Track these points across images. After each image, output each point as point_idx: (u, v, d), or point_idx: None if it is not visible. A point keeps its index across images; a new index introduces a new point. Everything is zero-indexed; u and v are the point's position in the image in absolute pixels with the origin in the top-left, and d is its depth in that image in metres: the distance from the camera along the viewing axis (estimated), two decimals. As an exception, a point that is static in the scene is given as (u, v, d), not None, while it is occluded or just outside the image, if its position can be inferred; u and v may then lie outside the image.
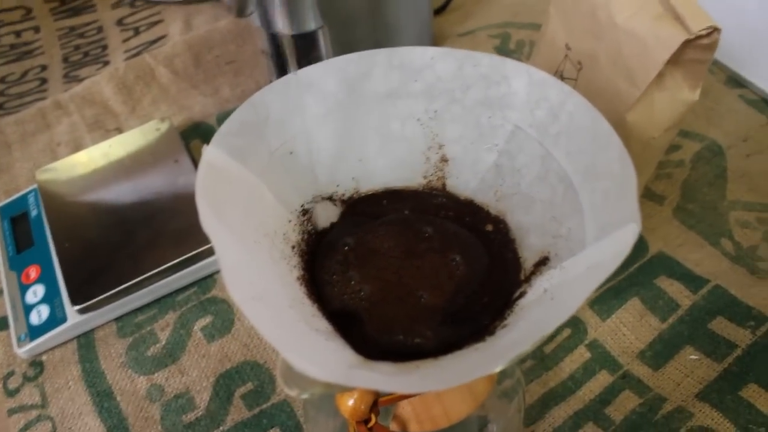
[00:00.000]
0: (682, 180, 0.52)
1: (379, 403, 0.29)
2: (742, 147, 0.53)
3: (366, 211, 0.30)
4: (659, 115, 0.41)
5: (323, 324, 0.25)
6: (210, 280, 0.49)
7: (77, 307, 0.45)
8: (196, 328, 0.46)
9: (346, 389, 0.25)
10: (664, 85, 0.40)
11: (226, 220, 0.24)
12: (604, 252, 0.22)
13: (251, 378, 0.43)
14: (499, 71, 0.28)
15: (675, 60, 0.38)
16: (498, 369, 0.19)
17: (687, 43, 0.37)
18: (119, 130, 0.59)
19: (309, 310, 0.26)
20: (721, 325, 0.43)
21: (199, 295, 0.48)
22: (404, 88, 0.29)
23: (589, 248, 0.23)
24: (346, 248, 0.28)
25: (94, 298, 0.45)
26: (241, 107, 0.27)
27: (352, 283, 0.27)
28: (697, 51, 0.38)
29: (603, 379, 0.42)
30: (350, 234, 0.29)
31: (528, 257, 0.27)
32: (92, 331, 0.47)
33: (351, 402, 0.29)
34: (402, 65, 0.29)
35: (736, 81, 0.58)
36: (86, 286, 0.46)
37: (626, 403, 0.41)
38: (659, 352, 0.43)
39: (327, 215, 0.30)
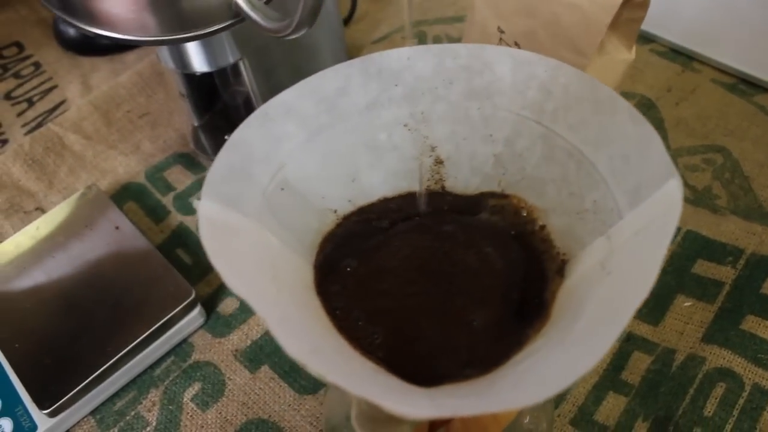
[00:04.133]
0: (626, 138, 0.53)
1: (435, 426, 0.28)
2: (669, 97, 0.56)
3: (368, 222, 0.28)
4: (604, 79, 0.41)
5: (369, 364, 0.23)
6: (186, 345, 0.45)
7: (45, 411, 0.40)
8: (185, 399, 0.42)
9: (419, 426, 0.24)
10: (604, 49, 0.41)
11: (246, 276, 0.21)
12: (650, 213, 0.22)
13: (259, 437, 0.40)
14: (480, 59, 0.27)
15: (613, 22, 0.39)
16: (601, 357, 0.18)
17: (624, 4, 0.37)
18: (41, 210, 0.54)
19: (349, 352, 0.23)
20: (703, 267, 0.44)
21: (179, 363, 0.44)
22: (385, 96, 0.28)
23: (632, 213, 0.23)
24: (349, 275, 0.26)
25: (64, 396, 0.41)
26: (223, 150, 0.25)
27: (361, 323, 0.25)
28: (632, 10, 0.39)
29: (610, 347, 0.42)
30: (350, 256, 0.27)
31: (556, 239, 0.26)
32: (67, 432, 0.42)
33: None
34: (379, 72, 0.27)
35: (644, 37, 0.61)
36: (51, 385, 0.41)
37: (639, 364, 0.41)
38: (654, 307, 0.43)
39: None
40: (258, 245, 0.24)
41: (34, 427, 0.41)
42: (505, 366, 0.23)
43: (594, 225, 0.25)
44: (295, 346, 0.18)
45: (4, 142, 0.61)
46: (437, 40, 0.63)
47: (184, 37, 0.41)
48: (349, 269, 0.26)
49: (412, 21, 0.21)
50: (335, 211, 0.28)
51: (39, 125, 0.61)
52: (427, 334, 0.24)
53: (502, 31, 0.44)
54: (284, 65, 0.55)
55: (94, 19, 0.40)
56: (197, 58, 0.50)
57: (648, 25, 0.61)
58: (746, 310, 0.41)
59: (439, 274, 0.26)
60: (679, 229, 0.46)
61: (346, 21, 0.66)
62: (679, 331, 0.42)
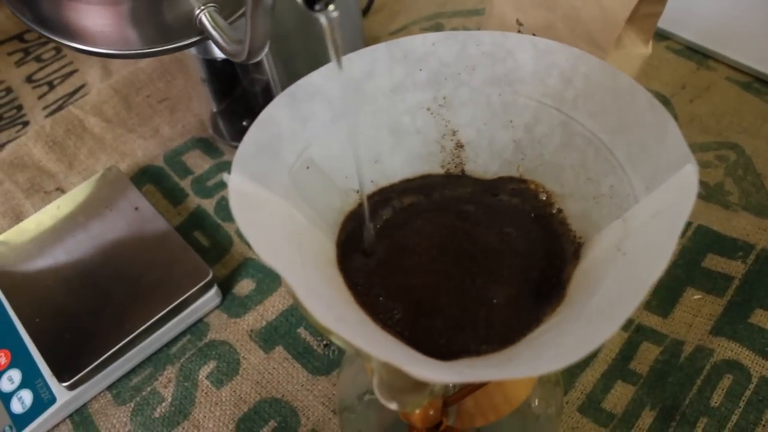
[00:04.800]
0: (639, 134, 0.53)
1: (448, 404, 0.28)
2: (684, 94, 0.56)
3: (388, 204, 0.29)
4: (620, 73, 0.43)
5: (388, 337, 0.24)
6: (202, 324, 0.46)
7: (65, 384, 0.41)
8: (201, 376, 0.43)
9: (438, 395, 0.24)
10: (621, 43, 0.41)
11: (276, 247, 0.22)
12: (666, 197, 0.22)
13: (272, 416, 0.41)
14: (503, 47, 0.28)
15: (630, 17, 0.39)
16: (614, 332, 0.19)
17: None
18: (61, 190, 0.55)
19: (370, 325, 0.24)
20: (713, 262, 0.45)
21: (195, 342, 0.45)
22: (410, 80, 0.28)
23: (647, 198, 0.23)
24: (370, 253, 0.27)
25: (82, 370, 0.42)
26: (252, 128, 0.26)
27: (381, 298, 0.26)
28: (650, 5, 0.39)
29: (619, 338, 0.43)
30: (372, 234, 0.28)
31: (572, 222, 0.27)
32: (85, 405, 0.43)
33: (419, 410, 0.28)
34: (405, 57, 0.28)
35: (660, 34, 0.61)
36: (70, 359, 0.42)
37: (647, 354, 0.42)
38: (664, 299, 0.44)
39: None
40: (285, 220, 0.25)
41: (53, 399, 0.42)
42: (521, 343, 0.24)
43: (610, 209, 0.25)
44: (323, 313, 0.19)
45: (26, 123, 0.62)
46: (454, 32, 0.63)
47: (148, 52, 0.41)
48: (370, 247, 0.27)
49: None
50: (358, 191, 0.29)
51: (59, 108, 0.62)
52: (446, 311, 0.25)
53: (520, 24, 0.45)
54: (303, 54, 0.56)
55: (63, 32, 0.40)
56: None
57: (664, 23, 0.61)
58: (755, 304, 0.42)
59: (460, 252, 0.27)
60: (690, 224, 0.47)
61: (365, 12, 0.67)
62: (688, 324, 0.43)
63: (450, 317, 0.25)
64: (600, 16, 0.39)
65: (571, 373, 0.42)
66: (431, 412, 0.28)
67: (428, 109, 0.29)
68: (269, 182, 0.25)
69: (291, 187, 0.26)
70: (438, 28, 0.64)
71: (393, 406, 0.21)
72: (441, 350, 0.24)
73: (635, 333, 0.43)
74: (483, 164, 0.30)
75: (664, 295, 0.44)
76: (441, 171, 0.30)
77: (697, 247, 0.46)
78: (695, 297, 0.44)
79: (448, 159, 0.30)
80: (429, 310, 0.25)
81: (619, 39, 0.41)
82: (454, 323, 0.25)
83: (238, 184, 0.24)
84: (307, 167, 0.27)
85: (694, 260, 0.45)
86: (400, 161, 0.29)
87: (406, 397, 0.21)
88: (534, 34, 0.44)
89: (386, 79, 0.28)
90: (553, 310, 0.24)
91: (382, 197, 0.29)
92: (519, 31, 0.45)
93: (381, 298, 0.25)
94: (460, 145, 0.29)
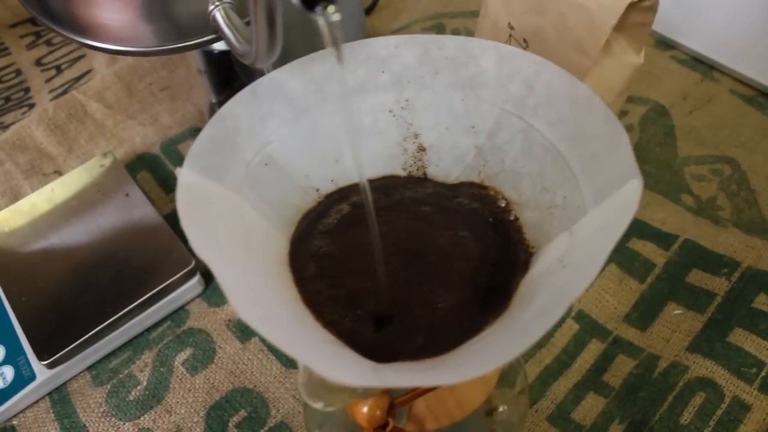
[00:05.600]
0: (635, 143, 0.53)
1: (395, 405, 0.28)
2: (684, 105, 0.55)
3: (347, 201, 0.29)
4: (610, 81, 0.42)
5: (328, 336, 0.24)
6: (183, 312, 0.46)
7: (44, 363, 0.42)
8: (176, 363, 0.44)
9: (369, 395, 0.24)
10: (611, 51, 0.41)
11: (215, 242, 0.23)
12: (609, 211, 0.22)
13: (243, 405, 0.42)
14: (466, 52, 0.28)
15: (620, 25, 0.39)
16: (531, 343, 0.19)
17: (631, 7, 0.37)
18: (59, 173, 0.56)
19: (311, 323, 0.24)
20: (697, 277, 0.44)
21: (174, 329, 0.46)
22: (372, 81, 0.28)
23: (593, 211, 0.23)
24: (322, 250, 0.27)
25: (62, 350, 0.43)
26: (210, 122, 0.26)
27: (326, 296, 0.26)
28: (639, 14, 0.39)
29: (595, 348, 0.42)
30: (326, 233, 0.28)
31: (526, 232, 0.27)
32: (64, 384, 0.44)
33: (365, 409, 0.28)
34: (367, 58, 0.28)
35: (665, 43, 0.60)
36: (51, 338, 0.43)
37: (622, 367, 0.41)
38: (644, 313, 0.43)
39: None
40: (234, 215, 0.25)
41: (33, 376, 0.43)
42: (459, 349, 0.24)
43: (561, 221, 0.25)
44: (247, 310, 0.19)
45: (31, 106, 0.63)
46: (455, 32, 0.63)
47: (158, 50, 0.40)
48: (323, 245, 0.27)
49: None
50: (317, 190, 0.29)
51: (65, 92, 0.63)
52: (389, 312, 0.25)
53: (512, 28, 0.44)
54: (302, 48, 0.56)
55: (72, 26, 0.41)
56: (217, 36, 0.51)
57: (670, 32, 0.60)
58: (735, 323, 0.41)
59: (412, 253, 0.27)
60: (677, 237, 0.46)
61: (369, 9, 0.67)
62: (666, 338, 0.42)
63: (392, 319, 0.25)
64: (587, 23, 0.39)
65: (543, 382, 0.41)
66: (378, 412, 0.28)
67: (390, 111, 0.29)
68: (223, 177, 0.26)
69: (246, 182, 0.26)
70: (439, 28, 0.64)
71: (318, 405, 0.22)
72: (380, 352, 0.24)
73: (612, 345, 0.42)
74: (445, 168, 0.30)
75: (645, 309, 0.44)
76: (403, 173, 0.30)
77: (683, 261, 0.45)
78: (675, 312, 0.43)
79: (410, 162, 0.30)
80: (372, 311, 0.25)
81: (608, 47, 0.40)
82: (397, 326, 0.25)
83: (188, 178, 0.24)
84: (266, 164, 0.28)
85: (678, 274, 0.45)
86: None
87: (330, 395, 0.21)
88: (524, 38, 0.44)
89: (349, 79, 0.28)
90: (495, 320, 0.24)
91: (340, 195, 0.29)
92: (510, 35, 0.45)
93: (326, 296, 0.25)
94: (422, 149, 0.30)
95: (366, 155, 0.29)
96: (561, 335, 0.43)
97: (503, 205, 0.28)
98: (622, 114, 0.54)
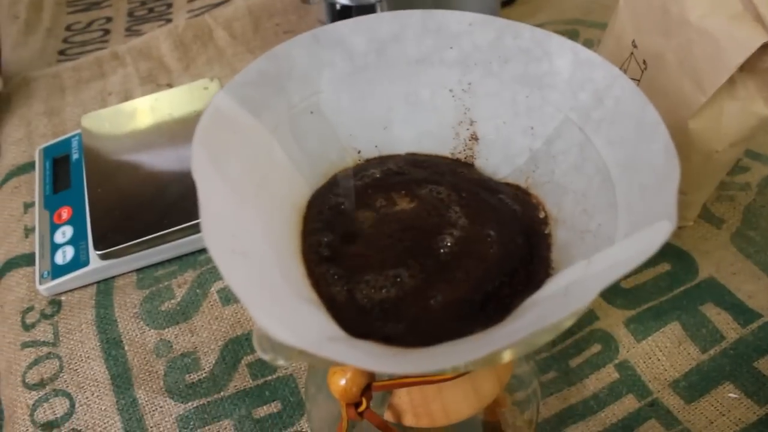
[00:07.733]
0: (746, 205, 0.47)
1: (372, 388, 0.27)
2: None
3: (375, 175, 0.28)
4: (726, 126, 0.38)
5: (312, 295, 0.23)
6: (234, 244, 0.48)
7: (99, 253, 0.45)
8: (213, 289, 0.45)
9: (333, 364, 0.24)
10: (735, 93, 0.36)
11: (223, 168, 0.22)
12: (629, 249, 0.20)
13: (259, 348, 0.42)
14: (542, 46, 0.25)
15: (750, 66, 0.34)
16: (482, 355, 0.17)
17: (766, 47, 0.33)
18: (170, 86, 0.59)
19: (300, 281, 0.24)
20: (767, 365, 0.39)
21: (221, 257, 0.47)
22: (438, 55, 0.27)
23: (618, 245, 0.21)
24: (341, 208, 0.26)
25: (117, 245, 0.45)
26: (262, 57, 0.26)
27: (325, 256, 0.25)
28: (776, 58, 0.34)
29: (629, 404, 0.39)
30: (340, 205, 0.27)
31: (554, 251, 0.25)
32: (113, 278, 0.47)
33: (342, 382, 0.27)
34: (438, 30, 0.27)
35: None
36: (111, 233, 0.46)
37: (650, 432, 0.38)
38: (695, 384, 0.39)
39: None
40: (259, 150, 0.25)
41: (87, 262, 0.46)
42: (431, 348, 0.22)
43: (587, 248, 0.23)
44: (216, 241, 0.19)
45: (169, 20, 0.67)
46: (588, 43, 0.59)
47: None
48: (342, 206, 0.26)
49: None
50: (359, 152, 0.28)
51: (200, 14, 0.66)
52: (381, 292, 0.24)
53: (635, 46, 0.41)
54: (421, 4, 0.55)
55: None
56: (343, -10, 0.51)
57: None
58: (795, 427, 0.36)
59: (428, 236, 0.25)
60: (759, 317, 0.41)
61: (509, 2, 0.65)
62: (710, 419, 0.38)
63: (381, 299, 0.24)
64: (712, 54, 0.35)
65: (561, 420, 0.39)
66: (354, 389, 0.27)
67: (450, 91, 0.27)
68: (261, 113, 0.25)
69: (285, 125, 0.26)
70: (572, 33, 0.60)
71: (266, 356, 0.21)
72: (357, 326, 0.23)
73: (648, 407, 0.39)
74: (494, 164, 0.28)
75: (697, 381, 0.39)
76: (450, 158, 0.28)
77: (757, 344, 0.40)
78: (731, 395, 0.38)
79: (460, 148, 0.28)
80: (362, 283, 0.24)
81: (732, 88, 0.36)
82: (382, 305, 0.24)
83: (223, 102, 0.24)
84: (311, 112, 0.27)
85: (747, 356, 0.40)
86: (409, 135, 0.28)
87: (280, 349, 0.21)
88: (644, 61, 0.40)
89: (413, 48, 0.27)
90: (483, 330, 0.23)
91: (381, 162, 0.28)
92: (632, 53, 0.41)
93: (325, 256, 0.25)
94: (474, 137, 0.28)
95: (416, 129, 0.28)
96: (596, 379, 0.40)
97: (542, 216, 0.26)
98: (739, 170, 0.49)
